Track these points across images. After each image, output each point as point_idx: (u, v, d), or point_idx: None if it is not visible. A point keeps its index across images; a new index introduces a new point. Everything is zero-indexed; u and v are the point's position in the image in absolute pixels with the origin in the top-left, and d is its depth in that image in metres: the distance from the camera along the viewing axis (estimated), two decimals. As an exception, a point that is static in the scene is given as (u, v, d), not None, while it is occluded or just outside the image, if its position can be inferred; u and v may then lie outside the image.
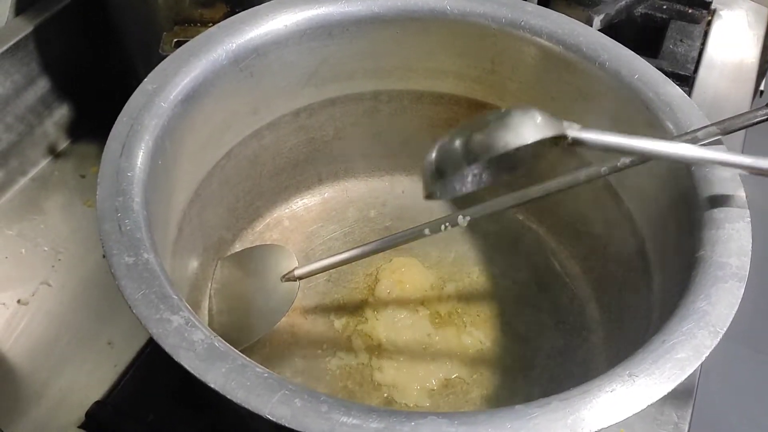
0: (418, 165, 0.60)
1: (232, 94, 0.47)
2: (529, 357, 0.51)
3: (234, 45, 0.45)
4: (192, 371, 0.30)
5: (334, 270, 0.54)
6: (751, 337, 0.94)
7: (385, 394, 0.49)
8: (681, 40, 0.75)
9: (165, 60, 0.43)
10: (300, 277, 0.50)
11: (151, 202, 0.38)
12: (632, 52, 0.47)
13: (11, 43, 0.60)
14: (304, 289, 0.54)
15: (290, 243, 0.57)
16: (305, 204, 0.59)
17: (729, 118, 0.42)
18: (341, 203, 0.60)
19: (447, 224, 0.46)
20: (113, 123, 0.41)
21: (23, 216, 0.61)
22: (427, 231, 0.46)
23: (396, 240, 0.48)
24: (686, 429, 0.49)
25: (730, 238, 0.37)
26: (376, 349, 0.50)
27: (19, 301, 0.55)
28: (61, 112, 0.66)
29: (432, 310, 0.53)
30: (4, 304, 0.55)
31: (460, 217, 0.46)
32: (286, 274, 0.49)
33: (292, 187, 0.58)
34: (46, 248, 0.59)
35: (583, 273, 0.54)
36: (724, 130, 0.41)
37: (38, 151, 0.65)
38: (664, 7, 0.78)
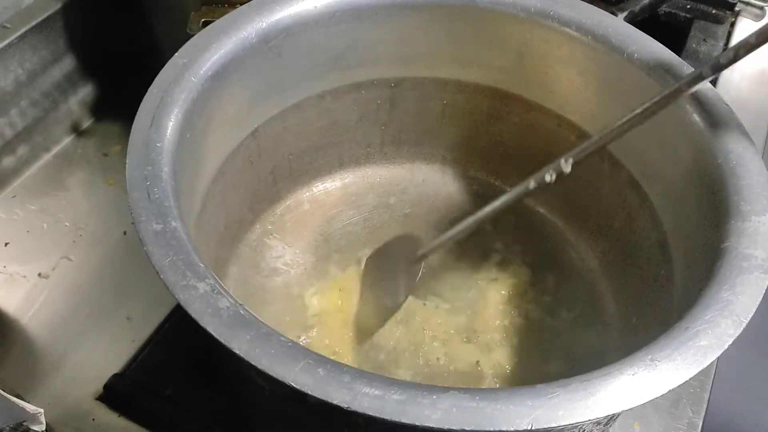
0: (440, 154, 0.61)
1: (259, 72, 0.47)
2: (547, 349, 0.51)
3: (264, 24, 0.46)
4: (217, 337, 0.30)
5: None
6: (764, 344, 0.94)
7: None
8: (704, 40, 0.75)
9: (196, 36, 0.44)
10: (423, 257, 0.52)
11: (178, 174, 0.38)
12: (661, 45, 0.47)
13: (40, 19, 0.60)
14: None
15: (309, 226, 0.57)
16: (326, 188, 0.59)
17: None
18: (361, 188, 0.60)
19: (552, 173, 0.45)
20: (137, 103, 0.41)
21: (46, 191, 0.62)
22: (532, 184, 0.46)
23: (505, 201, 0.48)
24: (700, 424, 0.49)
25: (756, 231, 0.37)
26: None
27: (39, 275, 0.56)
28: (86, 90, 0.67)
29: (448, 302, 0.53)
30: (25, 276, 0.56)
31: (563, 161, 0.45)
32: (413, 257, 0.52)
33: (314, 171, 0.58)
34: (67, 223, 0.60)
35: (602, 266, 0.54)
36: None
37: (62, 128, 0.66)
38: (688, 6, 0.77)
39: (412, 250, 0.53)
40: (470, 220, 0.50)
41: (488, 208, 0.49)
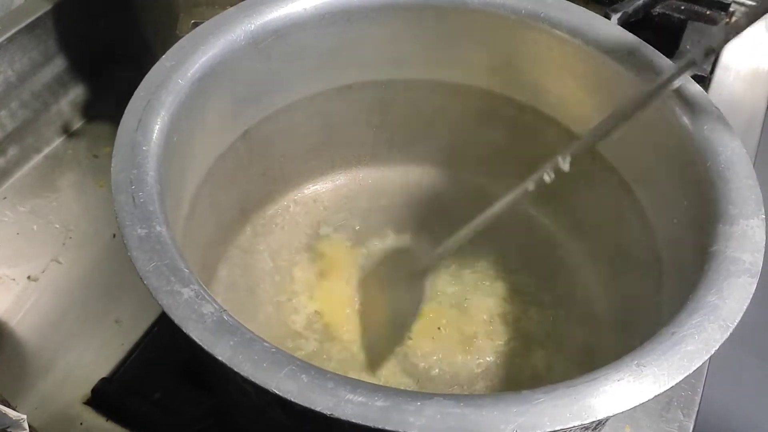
0: (431, 156, 0.61)
1: (249, 74, 0.47)
2: (538, 349, 0.51)
3: (253, 26, 0.45)
4: (200, 343, 0.30)
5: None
6: (756, 346, 0.94)
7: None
8: (698, 41, 0.75)
9: (184, 38, 0.43)
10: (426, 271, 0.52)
11: (165, 178, 0.38)
12: (652, 48, 0.47)
13: (30, 20, 0.60)
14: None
15: (300, 228, 0.57)
16: (317, 190, 0.59)
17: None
18: (353, 191, 0.60)
19: (550, 172, 0.45)
20: (128, 104, 0.40)
21: (36, 193, 0.62)
22: (530, 186, 0.46)
23: (503, 204, 0.48)
24: (691, 427, 0.49)
25: (744, 235, 0.37)
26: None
27: (29, 277, 0.55)
28: (77, 92, 0.67)
29: (438, 305, 0.53)
30: (14, 279, 0.55)
31: (560, 158, 0.44)
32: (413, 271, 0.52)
33: (305, 173, 0.58)
34: (57, 226, 0.59)
35: (593, 268, 0.54)
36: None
37: (52, 129, 0.65)
38: (682, 7, 0.77)
39: (409, 263, 0.52)
40: (467, 229, 0.49)
41: (485, 215, 0.49)
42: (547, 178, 0.45)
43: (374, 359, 0.50)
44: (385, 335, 0.52)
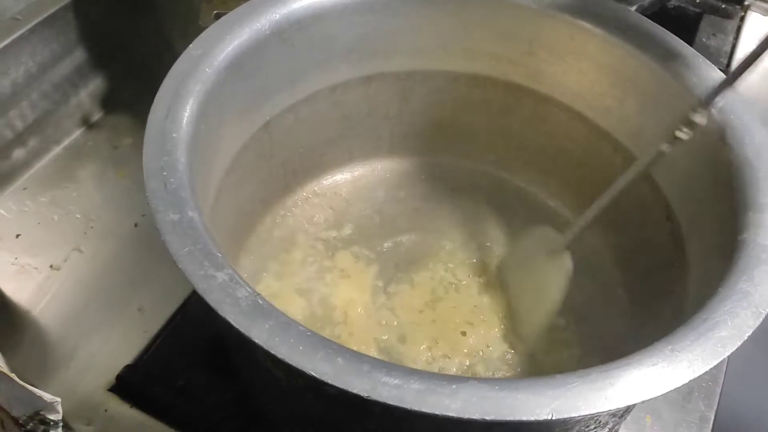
0: (450, 147, 0.61)
1: (272, 64, 0.47)
2: (556, 344, 0.51)
3: (278, 15, 0.46)
4: (236, 326, 0.30)
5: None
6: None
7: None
8: (714, 34, 0.75)
9: (210, 27, 0.44)
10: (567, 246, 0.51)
11: (193, 165, 0.38)
12: (675, 37, 0.47)
13: (51, 11, 0.60)
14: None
15: (319, 219, 0.57)
16: (335, 181, 0.59)
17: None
18: (371, 182, 0.60)
19: (684, 128, 0.42)
20: (147, 95, 0.40)
21: (56, 184, 0.62)
22: (665, 147, 0.44)
23: (637, 169, 0.46)
24: (712, 418, 0.49)
25: (774, 223, 0.37)
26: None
27: (51, 266, 0.56)
28: (96, 83, 0.67)
29: (461, 296, 0.53)
30: (36, 268, 0.56)
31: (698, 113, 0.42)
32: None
33: (324, 163, 0.58)
34: (78, 216, 0.60)
35: (615, 259, 0.54)
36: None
37: (72, 120, 0.66)
38: (698, 0, 0.77)
39: (548, 241, 0.52)
40: (607, 196, 0.48)
41: (622, 181, 0.47)
42: (685, 136, 0.43)
43: None
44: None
